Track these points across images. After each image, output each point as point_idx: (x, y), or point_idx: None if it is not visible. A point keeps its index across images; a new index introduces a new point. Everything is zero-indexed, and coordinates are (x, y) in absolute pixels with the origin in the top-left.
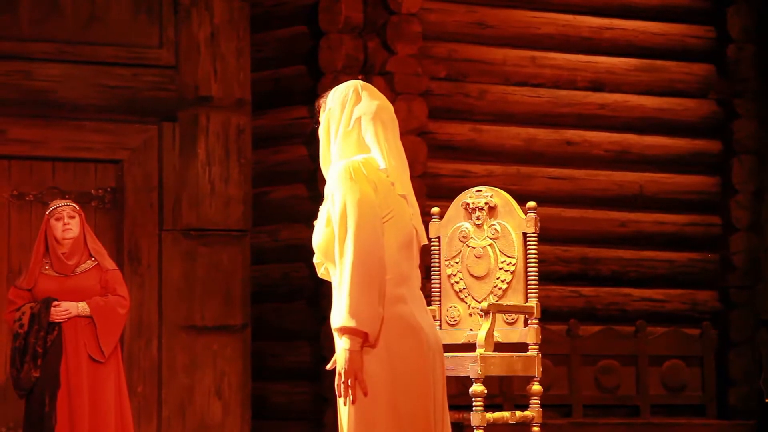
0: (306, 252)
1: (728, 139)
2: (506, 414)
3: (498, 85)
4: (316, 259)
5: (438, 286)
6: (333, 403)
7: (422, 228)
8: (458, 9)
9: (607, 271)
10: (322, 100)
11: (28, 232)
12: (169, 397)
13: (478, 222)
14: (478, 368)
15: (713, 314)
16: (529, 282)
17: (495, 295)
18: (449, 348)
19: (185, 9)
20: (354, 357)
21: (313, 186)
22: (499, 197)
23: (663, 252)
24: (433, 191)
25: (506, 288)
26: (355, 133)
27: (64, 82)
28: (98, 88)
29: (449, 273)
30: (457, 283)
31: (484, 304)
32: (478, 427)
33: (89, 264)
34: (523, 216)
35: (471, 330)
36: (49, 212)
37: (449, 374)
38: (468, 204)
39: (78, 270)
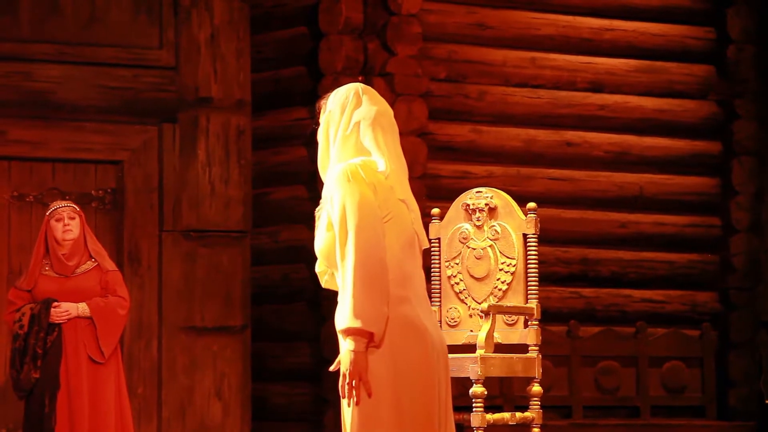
0: (306, 253)
1: (728, 141)
2: (506, 415)
3: (498, 86)
4: (318, 268)
5: (438, 287)
6: (333, 404)
7: (423, 232)
8: (458, 10)
9: (607, 272)
10: (322, 102)
11: (28, 233)
12: (169, 398)
13: (478, 223)
14: (479, 369)
15: (713, 315)
16: (529, 283)
17: (495, 296)
18: (449, 349)
19: (185, 10)
20: (359, 358)
21: (313, 187)
22: (499, 198)
23: (663, 253)
24: (433, 192)
25: (506, 289)
26: (353, 137)
27: (64, 83)
28: (98, 89)
29: (449, 274)
30: (458, 284)
31: (484, 305)
32: (478, 429)
33: (89, 265)
34: (523, 217)
35: (471, 331)
36: (50, 213)
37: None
38: (468, 205)
39: (78, 271)
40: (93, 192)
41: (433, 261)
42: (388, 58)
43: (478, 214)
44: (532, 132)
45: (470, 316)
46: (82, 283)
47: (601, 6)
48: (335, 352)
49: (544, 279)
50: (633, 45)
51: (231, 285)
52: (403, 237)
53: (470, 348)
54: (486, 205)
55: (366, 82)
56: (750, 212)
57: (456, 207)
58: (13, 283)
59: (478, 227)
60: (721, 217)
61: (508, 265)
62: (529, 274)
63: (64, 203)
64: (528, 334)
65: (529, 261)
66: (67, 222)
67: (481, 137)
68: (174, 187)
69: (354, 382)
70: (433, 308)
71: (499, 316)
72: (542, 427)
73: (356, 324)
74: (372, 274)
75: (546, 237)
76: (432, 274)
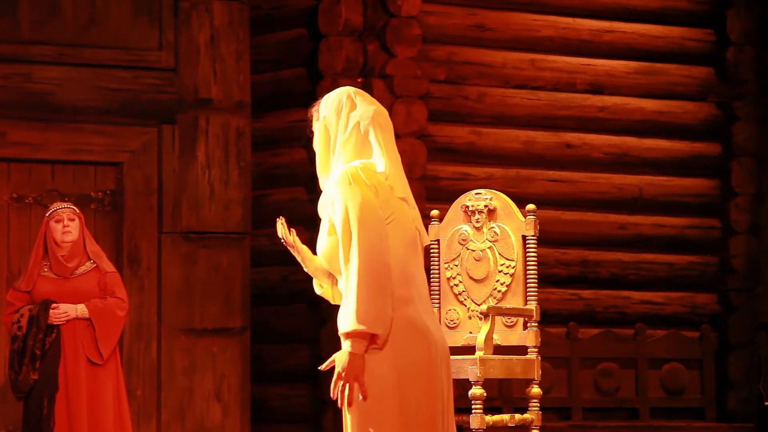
0: None
1: (728, 142)
2: (505, 417)
3: (497, 88)
4: (315, 283)
5: (437, 288)
6: (332, 406)
7: (424, 229)
8: (458, 12)
9: (606, 274)
10: (313, 110)
11: (27, 234)
12: (169, 400)
13: (477, 225)
14: (478, 371)
15: (713, 317)
16: (528, 285)
17: (494, 298)
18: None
19: (185, 12)
20: (357, 360)
21: (313, 188)
22: (499, 200)
23: (662, 255)
24: (433, 194)
25: (506, 291)
26: (353, 139)
27: (63, 85)
28: (98, 91)
29: (448, 276)
30: (457, 285)
31: (484, 307)
32: (477, 430)
33: (88, 266)
34: (523, 219)
35: (470, 333)
36: (49, 214)
37: None
38: (467, 207)
39: (77, 272)
40: (92, 193)
41: (432, 262)
42: (387, 60)
43: (477, 216)
44: (532, 133)
45: (469, 317)
46: (80, 284)
47: (601, 8)
48: (335, 352)
49: (544, 280)
50: (633, 47)
51: (230, 286)
52: (406, 237)
53: (469, 349)
54: (485, 206)
55: (365, 83)
56: (749, 214)
57: (455, 209)
58: (12, 284)
59: (478, 229)
60: (720, 218)
61: (507, 267)
62: (528, 276)
63: (63, 205)
64: (527, 336)
65: (528, 262)
66: (66, 223)
67: (481, 139)
68: (174, 189)
69: (348, 384)
70: (434, 311)
71: (498, 318)
72: (541, 428)
73: (360, 327)
74: (376, 277)
75: (545, 239)
76: (431, 275)
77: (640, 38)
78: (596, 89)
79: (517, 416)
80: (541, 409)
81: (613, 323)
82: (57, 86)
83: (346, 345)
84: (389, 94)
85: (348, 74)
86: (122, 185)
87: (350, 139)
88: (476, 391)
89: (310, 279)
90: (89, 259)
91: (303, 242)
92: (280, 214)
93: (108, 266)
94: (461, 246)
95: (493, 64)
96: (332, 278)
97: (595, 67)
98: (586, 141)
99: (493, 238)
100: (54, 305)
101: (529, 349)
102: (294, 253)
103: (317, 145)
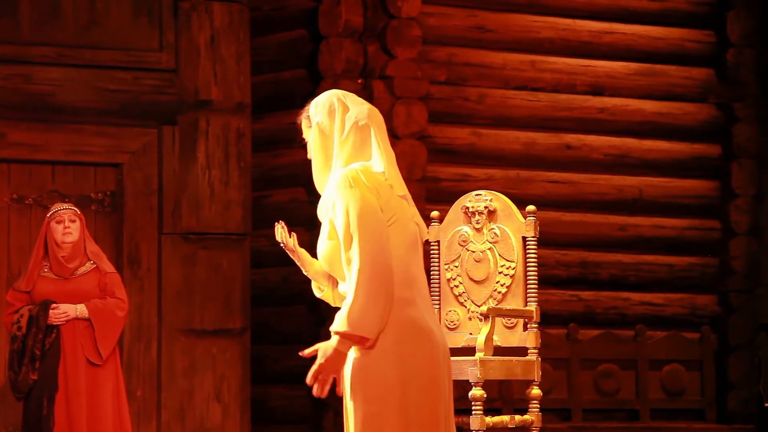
0: None
1: (728, 144)
2: (506, 418)
3: (498, 89)
4: (313, 285)
5: (437, 289)
6: (332, 407)
7: (423, 223)
8: (458, 13)
9: (606, 275)
10: (302, 117)
11: (27, 235)
12: (169, 401)
13: (477, 226)
14: (478, 372)
15: (713, 318)
16: (528, 286)
17: (494, 299)
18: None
19: (185, 13)
20: (340, 357)
21: (313, 189)
22: (499, 201)
23: (662, 256)
24: (433, 195)
25: (506, 292)
26: (350, 140)
27: (64, 86)
28: (98, 92)
29: (449, 277)
30: (457, 287)
31: (484, 308)
32: (477, 431)
33: (88, 267)
34: (523, 220)
35: (470, 334)
36: (50, 215)
37: None
38: (467, 208)
39: (77, 273)
40: (93, 194)
41: (432, 264)
42: (387, 61)
43: (477, 217)
44: (532, 135)
45: (469, 318)
46: (80, 285)
47: (601, 9)
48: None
49: (544, 282)
50: (633, 48)
51: (230, 287)
52: (407, 238)
53: (469, 351)
54: (485, 208)
55: (366, 84)
56: (749, 215)
57: (455, 210)
58: (12, 284)
59: (478, 230)
60: (720, 220)
61: (507, 268)
62: (528, 277)
63: (65, 206)
64: (527, 337)
65: (528, 264)
66: (67, 225)
67: (481, 140)
68: (174, 190)
69: (322, 376)
70: (435, 312)
71: (498, 319)
72: (542, 430)
73: (348, 330)
74: (376, 280)
75: (545, 240)
76: (431, 277)
77: (640, 39)
78: (596, 90)
79: (517, 417)
80: (541, 410)
81: (613, 324)
82: (57, 87)
83: (333, 340)
84: (389, 96)
85: (348, 75)
86: (122, 186)
87: (348, 140)
88: (476, 392)
89: (310, 280)
90: (89, 259)
91: (303, 243)
92: (281, 215)
93: (108, 267)
94: (461, 247)
95: (493, 65)
96: (332, 281)
97: (595, 68)
98: (586, 142)
99: (493, 239)
100: (54, 305)
101: (529, 351)
102: (293, 258)
103: (314, 151)
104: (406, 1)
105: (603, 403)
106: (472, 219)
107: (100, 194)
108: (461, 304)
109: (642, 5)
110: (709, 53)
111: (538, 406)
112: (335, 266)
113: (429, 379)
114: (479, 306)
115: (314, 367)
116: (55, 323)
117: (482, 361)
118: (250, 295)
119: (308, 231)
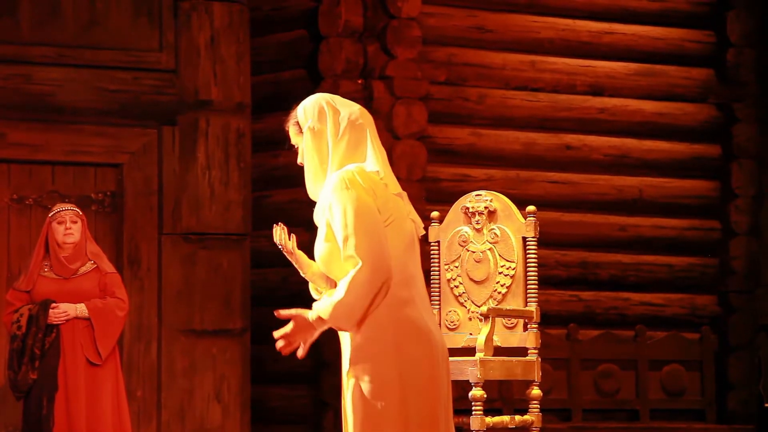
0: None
1: (728, 144)
2: (506, 418)
3: (497, 90)
4: (312, 287)
5: (437, 290)
6: (332, 407)
7: (419, 219)
8: (458, 13)
9: (606, 276)
10: (289, 125)
11: (27, 235)
12: (169, 401)
13: (477, 226)
14: (478, 372)
15: (713, 319)
16: (528, 286)
17: (494, 300)
18: (449, 352)
19: (185, 13)
20: (313, 331)
21: None
22: (499, 201)
23: (662, 256)
24: (433, 195)
25: (506, 292)
26: (344, 142)
27: (64, 86)
28: (98, 92)
29: (449, 277)
30: (457, 287)
31: (484, 309)
32: (477, 431)
33: (89, 267)
34: (523, 220)
35: (470, 334)
36: (52, 215)
37: None
38: (468, 208)
39: (78, 273)
40: (92, 195)
41: (432, 264)
42: (387, 61)
43: (477, 218)
44: (532, 135)
45: (469, 319)
46: (81, 284)
47: (601, 9)
48: (335, 354)
49: (544, 282)
50: (632, 48)
51: (230, 288)
52: (405, 238)
53: (469, 351)
54: (485, 208)
55: (365, 85)
56: (749, 215)
57: (455, 210)
58: (12, 284)
59: (478, 230)
60: (720, 220)
61: (507, 269)
62: (528, 277)
63: (66, 206)
64: (527, 337)
65: (528, 264)
66: (69, 225)
67: (481, 140)
68: (174, 190)
69: (293, 341)
70: (433, 311)
71: (498, 319)
72: (542, 430)
73: (333, 324)
74: (375, 284)
75: (545, 240)
76: (431, 277)
77: (640, 40)
78: (596, 91)
79: (518, 418)
80: (542, 410)
81: (613, 325)
82: (57, 87)
83: (312, 315)
84: (389, 96)
85: (348, 76)
86: (122, 186)
87: (343, 140)
88: (476, 392)
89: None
90: (89, 259)
91: (303, 244)
92: (280, 215)
93: (108, 267)
94: (461, 247)
95: (493, 65)
96: (330, 283)
97: (595, 68)
98: (586, 142)
99: (493, 239)
100: (54, 305)
101: (529, 351)
102: (291, 259)
103: (308, 156)
104: (406, 1)
105: (603, 404)
106: (472, 219)
107: (100, 194)
108: (461, 304)
109: (642, 5)
110: (709, 53)
111: (538, 406)
112: (332, 268)
113: (428, 379)
114: (479, 306)
115: (286, 330)
116: (54, 323)
117: (482, 362)
118: (250, 295)
119: (308, 231)
